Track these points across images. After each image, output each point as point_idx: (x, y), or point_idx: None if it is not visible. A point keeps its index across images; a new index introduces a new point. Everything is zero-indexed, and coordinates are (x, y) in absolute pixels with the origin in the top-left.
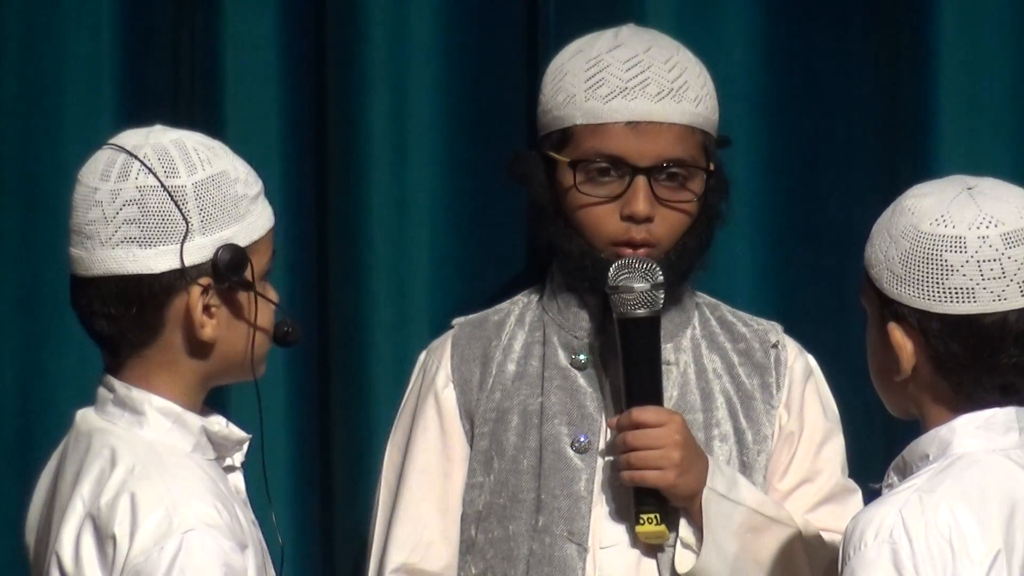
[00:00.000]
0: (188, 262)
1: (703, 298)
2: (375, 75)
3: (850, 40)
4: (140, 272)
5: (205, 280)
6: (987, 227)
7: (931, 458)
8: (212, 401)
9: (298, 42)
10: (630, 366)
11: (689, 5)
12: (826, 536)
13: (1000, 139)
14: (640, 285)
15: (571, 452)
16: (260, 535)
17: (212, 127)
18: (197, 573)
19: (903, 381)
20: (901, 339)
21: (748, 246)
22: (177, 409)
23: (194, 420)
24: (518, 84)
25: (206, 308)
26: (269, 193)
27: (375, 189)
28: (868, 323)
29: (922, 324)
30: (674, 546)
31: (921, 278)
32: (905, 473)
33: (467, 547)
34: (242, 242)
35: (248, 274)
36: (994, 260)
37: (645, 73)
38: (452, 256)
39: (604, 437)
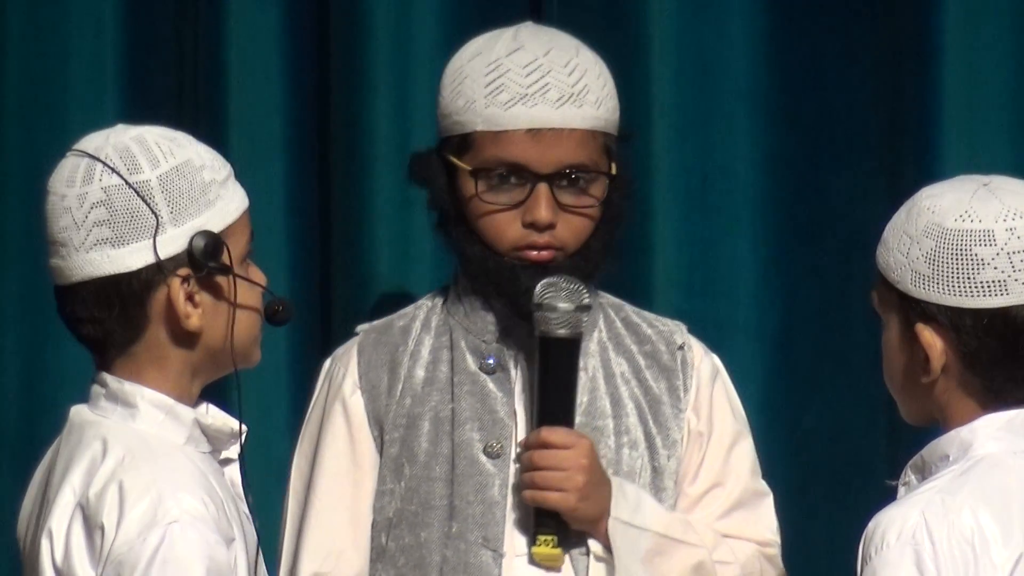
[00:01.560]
0: (163, 255)
1: (606, 298)
2: (378, 74)
3: (853, 40)
4: (117, 272)
5: (184, 271)
6: (1013, 219)
7: (951, 459)
8: (216, 393)
9: (301, 41)
10: (545, 384)
11: (692, 6)
12: (736, 546)
13: (1002, 139)
14: (564, 305)
15: (483, 458)
16: (253, 528)
17: (215, 127)
18: (179, 565)
19: (930, 383)
20: (931, 339)
21: (750, 245)
22: (169, 401)
23: (186, 412)
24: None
25: (189, 298)
26: (270, 192)
27: (378, 188)
28: (886, 328)
29: (954, 321)
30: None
31: (951, 274)
32: (924, 472)
33: (377, 555)
34: (216, 227)
35: (225, 258)
36: (1023, 251)
37: (545, 79)
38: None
39: (516, 442)
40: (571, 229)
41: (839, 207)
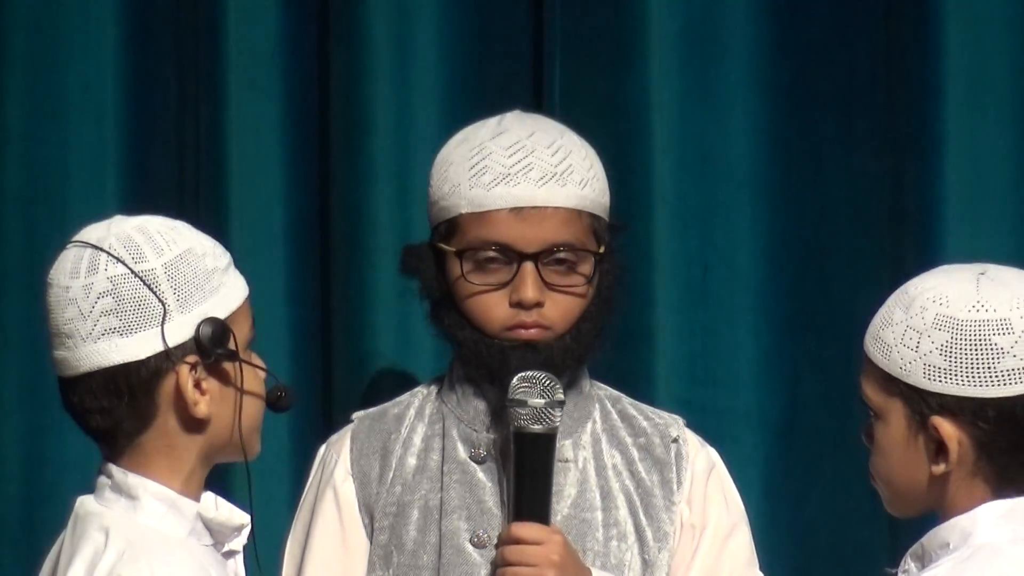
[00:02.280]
0: (171, 343)
1: (604, 390)
2: (379, 164)
3: (854, 127)
4: (126, 360)
5: (192, 358)
6: None
7: (952, 547)
8: (217, 483)
9: (302, 131)
10: (521, 479)
11: (693, 94)
12: None
13: (1004, 226)
14: (536, 401)
15: (470, 547)
16: None
17: (216, 215)
18: None
19: (943, 475)
20: (951, 430)
21: (752, 334)
22: (172, 495)
23: (189, 506)
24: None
25: (196, 385)
26: (271, 280)
27: (378, 277)
28: (883, 423)
29: (975, 412)
30: None
31: (970, 366)
32: (924, 560)
33: None
34: (221, 314)
35: (232, 344)
36: None
37: (528, 158)
38: None
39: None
40: (559, 309)
41: (840, 295)
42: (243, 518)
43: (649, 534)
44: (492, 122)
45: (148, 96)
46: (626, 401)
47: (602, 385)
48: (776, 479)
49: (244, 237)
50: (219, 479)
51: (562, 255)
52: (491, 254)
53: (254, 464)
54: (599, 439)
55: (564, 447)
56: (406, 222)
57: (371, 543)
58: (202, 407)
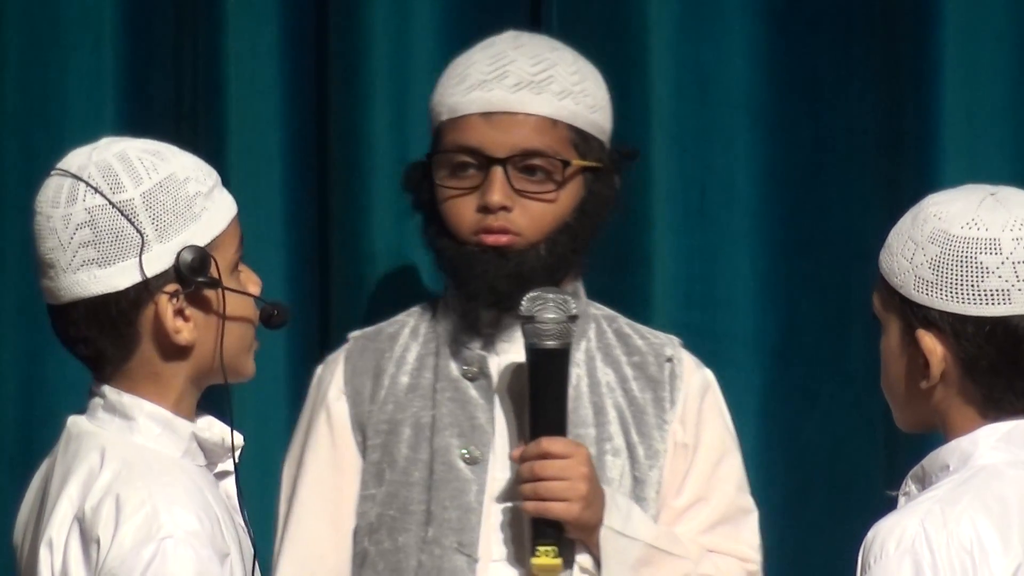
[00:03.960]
0: (150, 273)
1: (601, 310)
2: (376, 86)
3: (852, 53)
4: (105, 291)
5: (171, 287)
6: (1020, 229)
7: (952, 469)
8: (215, 404)
9: (300, 53)
10: (537, 396)
11: (691, 19)
12: (720, 561)
13: (1001, 152)
14: (553, 316)
15: (461, 464)
16: (249, 541)
17: (214, 138)
18: None
19: (929, 389)
20: (932, 344)
21: (749, 257)
22: (167, 415)
23: (184, 426)
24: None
25: (179, 312)
26: (268, 203)
27: (375, 198)
28: (885, 333)
29: (955, 328)
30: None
31: (955, 281)
32: (924, 482)
33: (360, 560)
34: (202, 240)
35: (213, 271)
36: None
37: (507, 67)
38: None
39: (494, 449)
40: (528, 215)
41: (837, 219)
42: (236, 439)
43: (640, 451)
44: (488, 40)
45: (146, 20)
46: (622, 321)
47: (599, 305)
48: (773, 402)
49: (242, 160)
50: (215, 402)
51: (534, 162)
52: (463, 159)
53: (250, 384)
54: (594, 356)
55: None
56: (403, 144)
57: (364, 461)
58: (184, 334)
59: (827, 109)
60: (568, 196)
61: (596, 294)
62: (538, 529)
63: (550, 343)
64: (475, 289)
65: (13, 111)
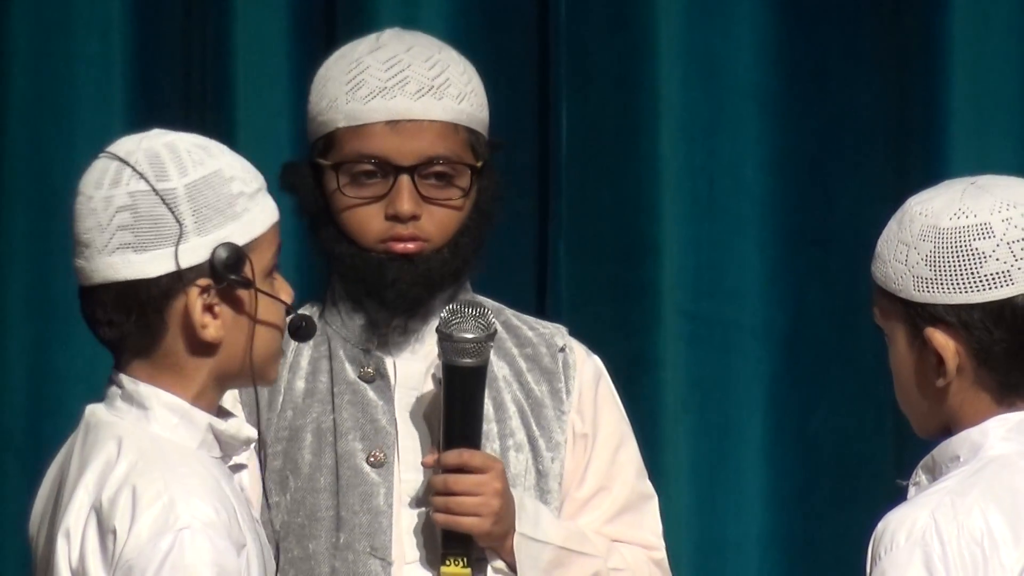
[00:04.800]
0: (184, 264)
1: (487, 302)
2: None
3: (860, 42)
4: (136, 277)
5: (204, 281)
6: (1007, 209)
7: (962, 460)
8: None
9: (308, 43)
10: (452, 411)
11: (699, 7)
12: (626, 551)
13: (1009, 139)
14: (471, 335)
15: (367, 467)
16: (263, 533)
17: (223, 127)
18: (188, 571)
19: (945, 387)
20: (943, 340)
21: (757, 247)
22: (184, 405)
23: (201, 417)
24: (528, 84)
25: (208, 308)
26: (279, 194)
27: None
28: (892, 343)
29: (963, 318)
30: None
31: (954, 272)
32: (935, 473)
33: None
34: (240, 240)
35: (248, 271)
36: (1022, 239)
37: (405, 72)
38: None
39: (398, 450)
40: (436, 222)
41: (846, 209)
42: (251, 432)
43: (542, 444)
44: (371, 38)
45: (154, 10)
46: (509, 312)
47: (483, 298)
48: (781, 391)
49: (250, 148)
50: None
51: (439, 168)
52: (367, 167)
53: None
54: None
55: None
56: None
57: (263, 471)
58: (211, 331)
59: (835, 99)
60: (468, 199)
61: (603, 284)
62: (447, 540)
63: (467, 361)
64: (387, 297)
65: (22, 100)
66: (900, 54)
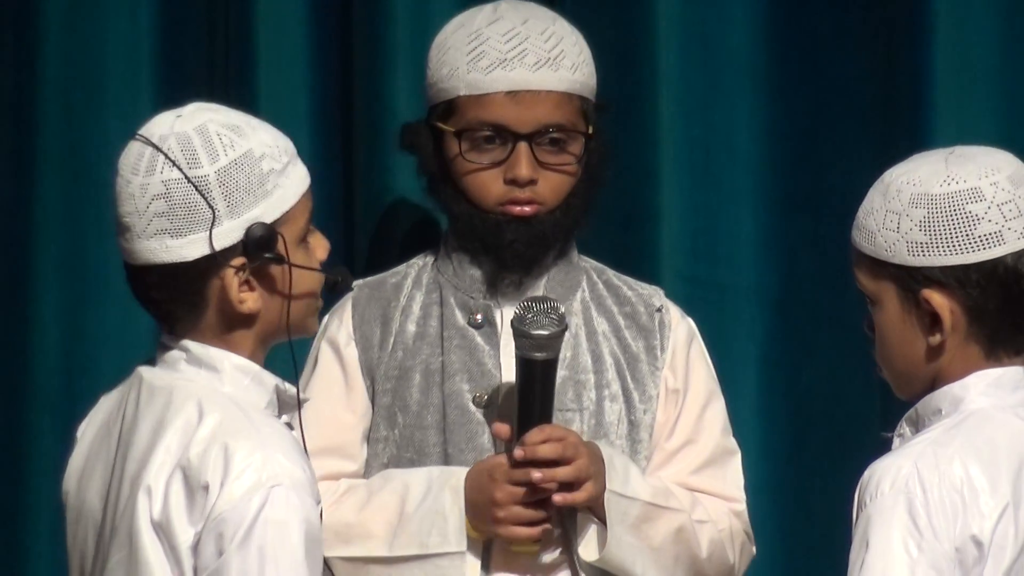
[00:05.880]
0: (218, 246)
1: (589, 262)
2: (398, 53)
3: (848, 18)
4: (174, 261)
5: (238, 260)
6: (993, 174)
7: (944, 413)
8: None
9: (326, 22)
10: (525, 401)
11: None
12: (709, 504)
13: (990, 110)
14: (544, 332)
15: (473, 407)
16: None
17: (245, 101)
18: (280, 526)
19: (939, 345)
20: (941, 300)
21: (751, 213)
22: (254, 367)
23: (269, 378)
24: None
25: (245, 283)
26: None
27: (399, 160)
28: (879, 307)
29: (959, 278)
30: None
31: (949, 235)
32: (918, 425)
33: None
34: (271, 217)
35: (280, 248)
36: (1010, 201)
37: (523, 44)
38: None
39: (501, 392)
40: (551, 186)
41: (835, 177)
42: (302, 392)
43: (636, 396)
44: (487, 9)
45: None
46: (610, 273)
47: (587, 258)
48: (774, 351)
49: (271, 123)
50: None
51: (554, 135)
52: (488, 134)
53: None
54: (588, 307)
55: None
56: (423, 107)
57: (374, 406)
58: (249, 304)
59: (824, 73)
60: (580, 163)
61: (607, 248)
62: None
63: (541, 355)
64: (505, 256)
65: (55, 75)
66: (886, 30)
